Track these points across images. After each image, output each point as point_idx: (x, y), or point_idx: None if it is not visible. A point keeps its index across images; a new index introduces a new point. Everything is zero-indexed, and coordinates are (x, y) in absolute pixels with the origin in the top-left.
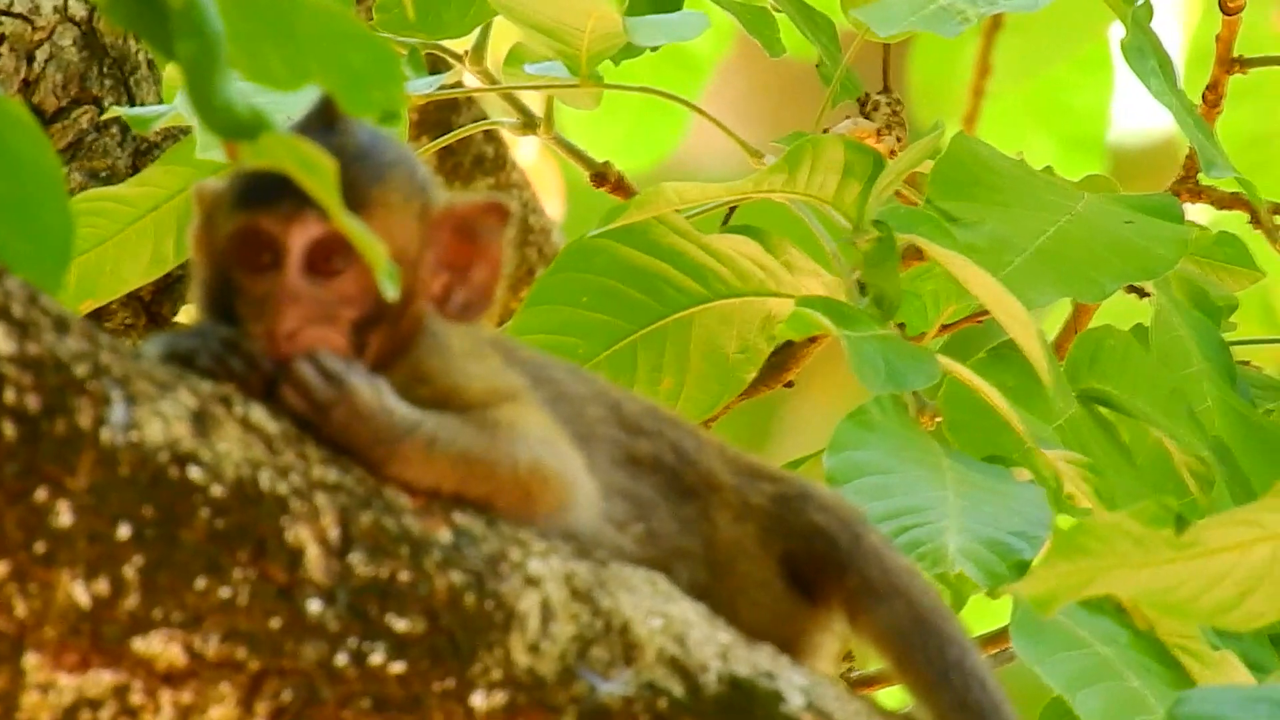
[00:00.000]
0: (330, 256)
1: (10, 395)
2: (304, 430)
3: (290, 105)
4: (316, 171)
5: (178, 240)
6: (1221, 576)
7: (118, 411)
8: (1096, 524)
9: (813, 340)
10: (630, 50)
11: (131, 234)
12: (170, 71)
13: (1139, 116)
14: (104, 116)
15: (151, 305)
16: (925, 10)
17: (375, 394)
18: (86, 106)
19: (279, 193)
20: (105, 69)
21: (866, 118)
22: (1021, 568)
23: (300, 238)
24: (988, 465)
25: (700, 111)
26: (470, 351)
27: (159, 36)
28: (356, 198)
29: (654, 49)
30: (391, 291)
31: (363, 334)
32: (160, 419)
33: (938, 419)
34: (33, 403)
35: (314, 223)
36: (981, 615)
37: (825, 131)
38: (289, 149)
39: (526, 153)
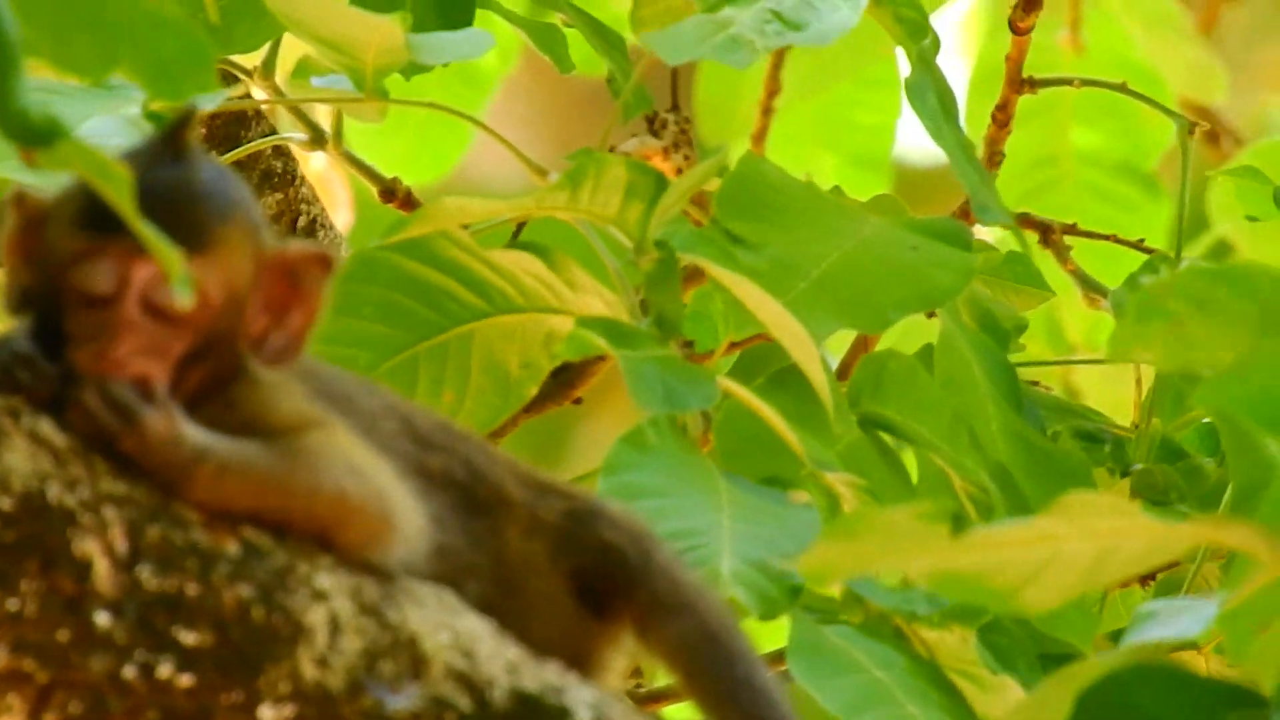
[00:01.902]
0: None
1: None
2: (93, 444)
3: (100, 106)
4: (112, 180)
5: None
6: (1002, 566)
7: None
8: (870, 515)
9: (602, 358)
10: (419, 66)
11: None
12: None
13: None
14: None
15: None
16: (713, 39)
17: (165, 422)
18: None
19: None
20: None
21: (655, 135)
22: (794, 592)
23: (143, 272)
24: (764, 488)
25: (484, 127)
26: (275, 381)
27: None
28: (203, 235)
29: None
30: (184, 300)
31: (184, 369)
32: None
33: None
34: None
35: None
36: (761, 637)
37: (612, 149)
38: (85, 156)
39: (315, 165)
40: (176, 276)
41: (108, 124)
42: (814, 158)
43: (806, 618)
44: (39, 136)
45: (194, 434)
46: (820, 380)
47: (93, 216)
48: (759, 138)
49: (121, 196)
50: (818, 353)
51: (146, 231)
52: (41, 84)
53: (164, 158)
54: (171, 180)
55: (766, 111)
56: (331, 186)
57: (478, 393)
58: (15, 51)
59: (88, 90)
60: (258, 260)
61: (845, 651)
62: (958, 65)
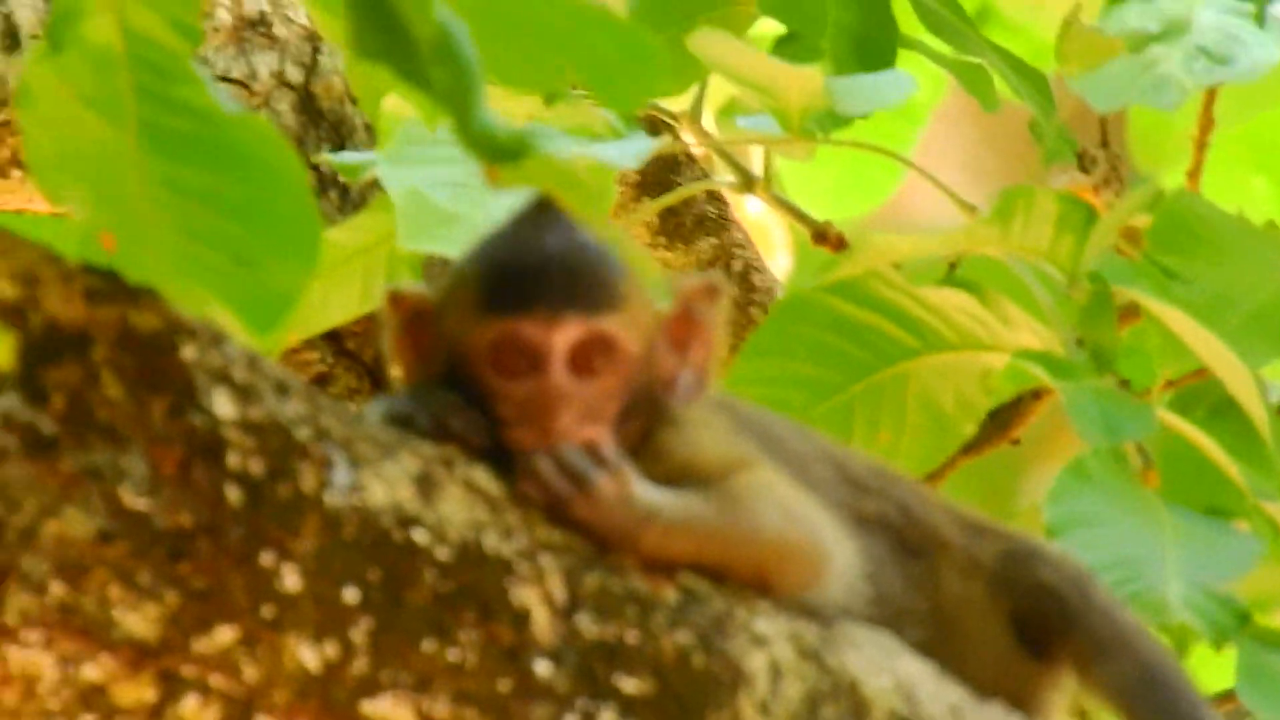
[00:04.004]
0: (591, 356)
1: (234, 460)
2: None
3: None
4: (582, 192)
5: (389, 278)
6: None
7: (341, 474)
8: None
9: (1037, 397)
10: (838, 117)
11: (340, 273)
12: (385, 126)
13: None
14: (313, 159)
15: (375, 370)
16: (1142, 80)
17: (615, 485)
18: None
19: (534, 298)
20: (322, 133)
21: (1084, 172)
22: (1243, 618)
23: (563, 341)
24: (1207, 517)
25: (913, 166)
26: (701, 420)
27: (408, 65)
28: (612, 291)
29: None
30: (665, 305)
31: (618, 427)
32: (383, 482)
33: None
34: (256, 467)
35: (574, 325)
36: (1203, 674)
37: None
38: (553, 169)
39: (751, 207)
40: (653, 280)
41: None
42: (1246, 183)
43: (1255, 646)
44: (507, 153)
45: (643, 493)
46: (1259, 412)
47: (496, 299)
48: (1194, 173)
49: (593, 209)
50: (1255, 384)
51: (612, 233)
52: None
53: (542, 225)
54: (564, 245)
55: (1200, 146)
56: (767, 229)
57: (914, 432)
58: (475, 72)
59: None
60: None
61: None
62: None
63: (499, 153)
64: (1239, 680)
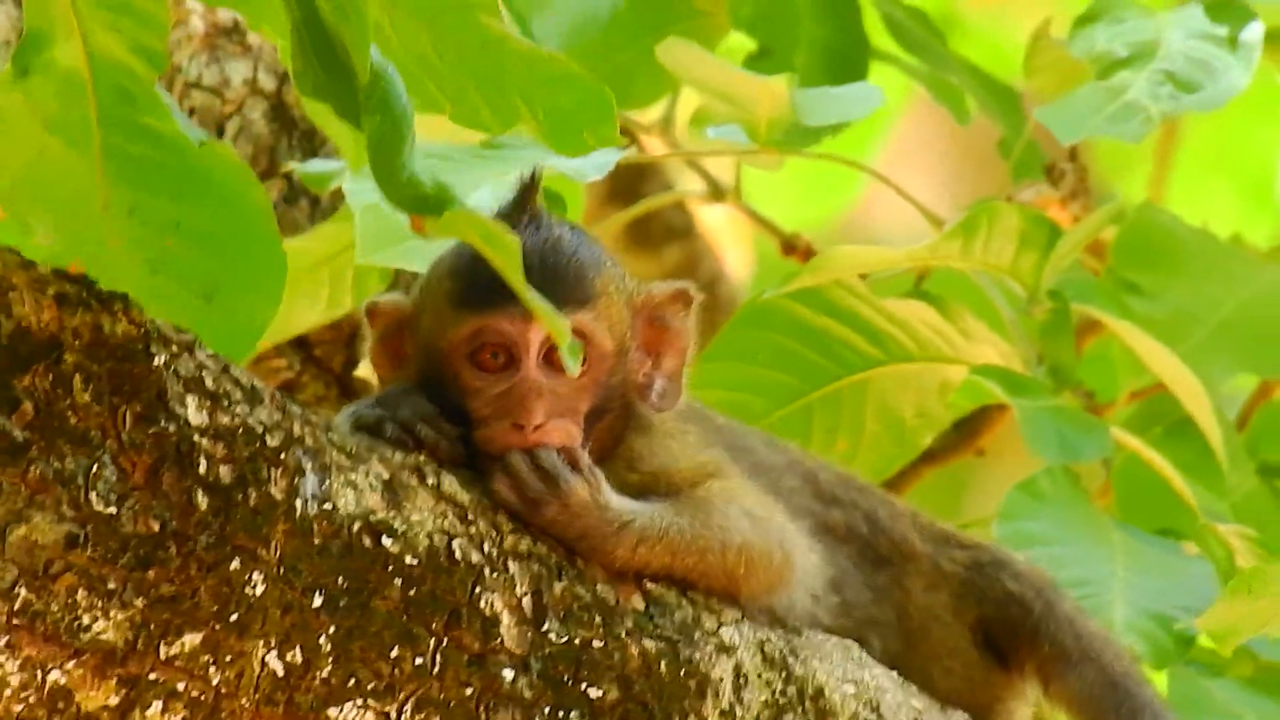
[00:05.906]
0: None
1: (204, 466)
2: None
3: (492, 170)
4: (500, 247)
5: (355, 287)
6: None
7: (310, 482)
8: (1269, 571)
9: (1002, 409)
10: (805, 129)
11: (306, 281)
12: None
13: None
14: (281, 171)
15: (343, 377)
16: (1107, 110)
17: (589, 490)
18: (276, 179)
19: (508, 293)
20: (294, 141)
21: (1053, 185)
22: (1187, 641)
23: (537, 336)
24: (1158, 539)
25: (880, 177)
26: (674, 429)
27: (346, 107)
28: (584, 288)
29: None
30: (574, 367)
31: (589, 427)
32: (352, 489)
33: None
34: (225, 473)
35: None
36: None
37: (1010, 199)
38: (474, 224)
39: (715, 215)
40: (564, 341)
41: (499, 192)
42: (1213, 193)
43: (1187, 671)
44: (428, 205)
45: (616, 502)
46: (1214, 431)
47: (471, 296)
48: (1157, 184)
49: (510, 263)
50: (1210, 403)
51: (533, 299)
52: (432, 150)
53: (519, 221)
54: (540, 242)
55: (1164, 157)
56: (732, 235)
57: (872, 440)
58: (405, 122)
59: (478, 153)
60: (630, 306)
61: (1228, 706)
62: None
63: (421, 204)
64: (1170, 702)
